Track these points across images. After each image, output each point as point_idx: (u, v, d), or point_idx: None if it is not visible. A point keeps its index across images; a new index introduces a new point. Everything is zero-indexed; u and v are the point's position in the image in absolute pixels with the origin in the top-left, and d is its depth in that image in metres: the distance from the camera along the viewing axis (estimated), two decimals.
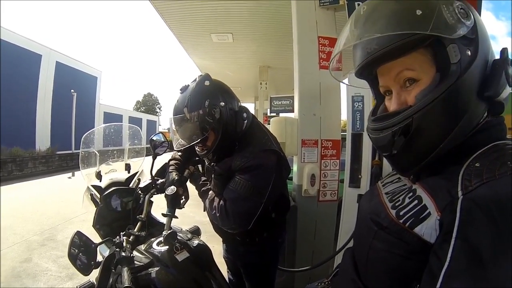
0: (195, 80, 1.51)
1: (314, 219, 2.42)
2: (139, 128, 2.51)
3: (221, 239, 1.74)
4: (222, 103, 1.45)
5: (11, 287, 3.16)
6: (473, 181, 0.53)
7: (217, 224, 1.48)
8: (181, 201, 1.56)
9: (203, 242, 1.52)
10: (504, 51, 0.62)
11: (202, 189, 1.58)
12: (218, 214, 1.40)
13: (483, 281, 0.47)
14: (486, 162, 0.55)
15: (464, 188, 0.53)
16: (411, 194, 0.65)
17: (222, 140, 1.46)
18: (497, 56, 0.64)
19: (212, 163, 1.54)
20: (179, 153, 1.78)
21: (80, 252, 1.36)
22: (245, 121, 1.52)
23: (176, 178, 1.58)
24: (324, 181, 2.44)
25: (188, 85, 1.50)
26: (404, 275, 0.62)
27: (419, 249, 0.58)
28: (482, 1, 2.00)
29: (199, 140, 1.44)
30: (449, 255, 0.50)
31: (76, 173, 12.24)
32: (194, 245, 1.45)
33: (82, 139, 2.08)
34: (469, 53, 0.59)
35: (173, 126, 1.51)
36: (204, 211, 1.57)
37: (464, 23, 0.59)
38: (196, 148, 1.56)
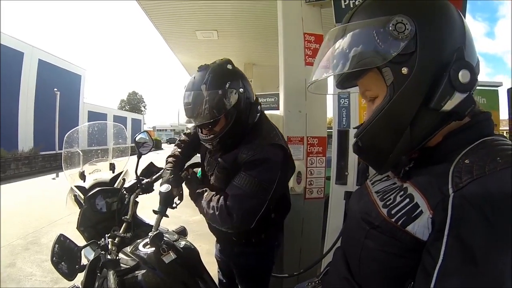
0: (214, 62, 1.46)
1: (301, 217, 2.42)
2: (123, 127, 2.47)
3: (209, 239, 1.71)
4: (241, 90, 1.40)
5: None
6: (463, 178, 0.54)
7: (215, 225, 1.41)
8: (175, 201, 1.51)
9: (190, 243, 1.50)
10: (455, 54, 0.62)
11: (197, 191, 1.48)
12: (217, 213, 1.32)
13: (476, 278, 0.48)
14: (476, 159, 0.56)
15: (455, 185, 0.54)
16: (402, 192, 0.67)
17: (232, 128, 1.40)
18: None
19: (217, 157, 1.48)
20: (179, 150, 1.71)
21: (64, 255, 1.33)
22: (258, 114, 1.49)
23: (173, 177, 1.52)
24: (311, 179, 2.44)
25: (208, 65, 1.44)
26: (398, 273, 0.63)
27: (412, 247, 0.59)
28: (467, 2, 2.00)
29: (210, 121, 1.37)
30: (442, 253, 0.51)
31: (60, 174, 11.94)
32: (181, 246, 1.43)
33: (65, 138, 2.03)
34: (404, 70, 0.62)
35: (186, 100, 1.41)
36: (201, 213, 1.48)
37: (396, 43, 0.61)
38: (201, 134, 1.47)
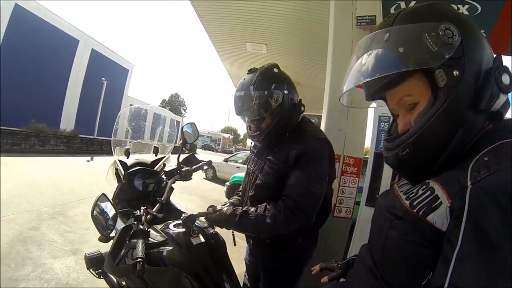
0: (263, 66, 1.58)
1: (327, 232, 2.36)
2: (174, 119, 2.57)
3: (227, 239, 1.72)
4: (286, 91, 1.52)
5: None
6: (482, 172, 0.57)
7: (277, 231, 1.39)
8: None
9: (219, 233, 1.51)
10: (495, 60, 0.67)
11: (234, 212, 1.48)
12: (282, 218, 1.35)
13: (492, 262, 0.50)
14: (494, 157, 0.59)
15: (473, 178, 0.58)
16: (424, 186, 0.70)
17: (276, 126, 1.52)
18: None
19: (265, 157, 1.56)
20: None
21: (102, 214, 1.39)
22: (301, 114, 1.62)
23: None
24: (341, 197, 2.42)
25: (257, 68, 1.56)
26: (418, 262, 0.66)
27: (432, 237, 0.62)
28: None
29: (256, 118, 1.51)
30: (460, 239, 0.54)
31: (95, 158, 12.51)
32: (210, 233, 1.45)
33: (120, 113, 2.15)
34: (456, 73, 0.66)
35: (236, 99, 1.55)
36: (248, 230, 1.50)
37: (449, 46, 0.64)
38: (250, 131, 1.60)
